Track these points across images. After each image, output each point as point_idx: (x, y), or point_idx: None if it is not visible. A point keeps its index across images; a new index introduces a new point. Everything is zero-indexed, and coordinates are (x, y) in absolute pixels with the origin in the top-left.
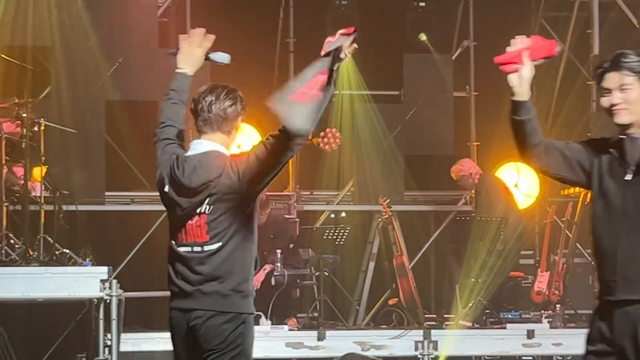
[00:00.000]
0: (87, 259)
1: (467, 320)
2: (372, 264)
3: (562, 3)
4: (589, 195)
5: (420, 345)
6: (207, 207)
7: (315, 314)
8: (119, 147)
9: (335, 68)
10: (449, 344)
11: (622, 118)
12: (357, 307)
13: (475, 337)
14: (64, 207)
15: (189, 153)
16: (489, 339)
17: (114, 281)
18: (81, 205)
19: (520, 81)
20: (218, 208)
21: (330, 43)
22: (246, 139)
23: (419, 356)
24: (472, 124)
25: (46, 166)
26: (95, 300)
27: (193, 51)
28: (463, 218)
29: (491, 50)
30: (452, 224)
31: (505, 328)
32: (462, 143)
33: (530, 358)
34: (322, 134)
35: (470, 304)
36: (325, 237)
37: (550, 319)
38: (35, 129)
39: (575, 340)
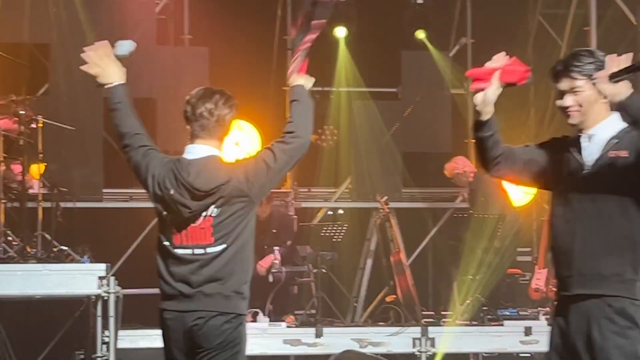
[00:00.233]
0: (85, 256)
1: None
2: (369, 261)
3: (560, 0)
4: None
5: (417, 342)
6: (215, 209)
7: (313, 311)
8: (117, 144)
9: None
10: (447, 341)
11: (575, 119)
12: (355, 304)
13: (472, 334)
14: (62, 204)
15: (190, 157)
16: (486, 336)
17: (112, 278)
18: (79, 202)
19: (485, 101)
20: (225, 211)
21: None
22: (244, 136)
23: (417, 353)
24: (469, 121)
25: (44, 163)
26: (93, 297)
27: (103, 65)
28: (461, 215)
29: (489, 48)
30: (450, 221)
31: (502, 325)
32: (459, 140)
33: (528, 355)
34: (319, 130)
35: (468, 301)
36: (323, 234)
37: (548, 316)
38: (33, 126)
39: None
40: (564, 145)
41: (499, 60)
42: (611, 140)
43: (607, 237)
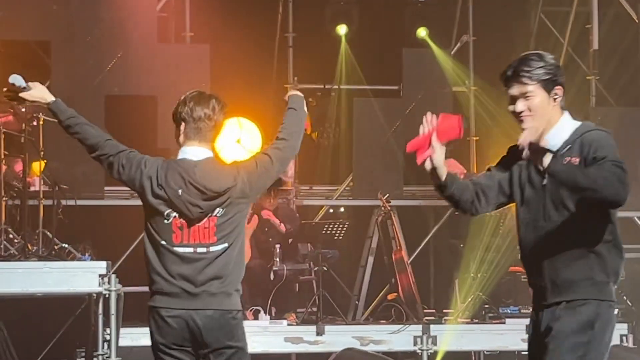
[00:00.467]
0: (86, 254)
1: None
2: (371, 259)
3: None
4: None
5: (419, 340)
6: (221, 210)
7: (314, 309)
8: (118, 141)
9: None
10: (448, 339)
11: (528, 124)
12: (356, 302)
13: (474, 332)
14: (63, 202)
15: (194, 159)
16: (488, 334)
17: (113, 276)
18: (80, 199)
19: (435, 166)
20: (229, 211)
21: None
22: (245, 133)
23: (418, 351)
24: (471, 119)
25: (45, 161)
26: (94, 295)
27: (34, 93)
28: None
29: (490, 45)
30: (451, 219)
31: (504, 323)
32: (461, 138)
33: None
34: (320, 128)
35: (469, 299)
36: (324, 232)
37: None
38: (34, 123)
39: None
40: (520, 157)
41: (429, 122)
42: (564, 145)
43: (573, 242)
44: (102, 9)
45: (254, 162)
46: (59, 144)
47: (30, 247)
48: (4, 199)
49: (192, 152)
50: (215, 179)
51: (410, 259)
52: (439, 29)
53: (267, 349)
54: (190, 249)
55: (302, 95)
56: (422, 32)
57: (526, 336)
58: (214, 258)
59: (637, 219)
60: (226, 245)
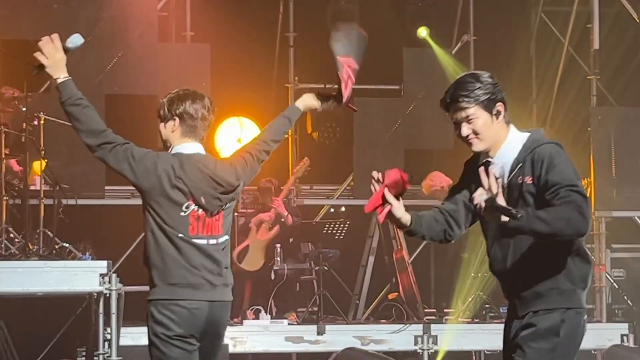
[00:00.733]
0: (87, 253)
1: (467, 316)
2: (372, 259)
3: None
4: (588, 190)
5: (419, 339)
6: (229, 203)
7: (315, 309)
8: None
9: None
10: (449, 338)
11: (477, 147)
12: (357, 302)
13: (474, 332)
14: (64, 201)
15: (202, 152)
16: (488, 334)
17: (114, 275)
18: (81, 199)
19: (397, 217)
20: (231, 205)
21: None
22: (246, 133)
23: (419, 351)
24: None
25: (46, 160)
26: (95, 294)
27: (56, 58)
28: None
29: (491, 45)
30: None
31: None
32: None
33: None
34: (321, 128)
35: (470, 299)
36: (325, 231)
37: None
38: (35, 122)
39: None
40: (476, 172)
41: (376, 177)
42: (515, 163)
43: (537, 255)
44: (103, 8)
45: (243, 160)
46: (60, 143)
47: (31, 247)
48: (5, 198)
49: (193, 147)
50: (229, 173)
51: (411, 259)
52: (439, 28)
53: (268, 349)
54: (205, 241)
55: (303, 107)
56: (423, 32)
57: None
58: (222, 249)
59: (637, 219)
60: (227, 237)
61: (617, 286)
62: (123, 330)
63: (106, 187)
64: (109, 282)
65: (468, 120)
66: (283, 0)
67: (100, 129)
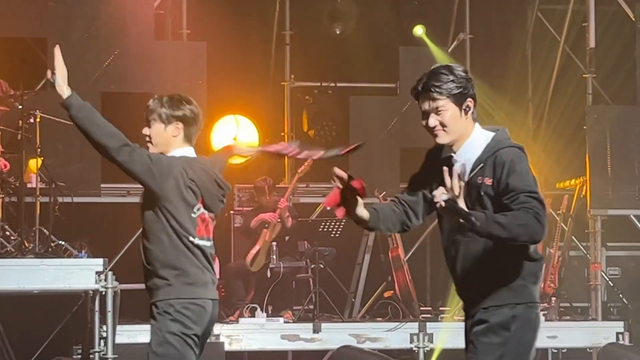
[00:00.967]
0: (83, 251)
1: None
2: (367, 257)
3: None
4: (584, 188)
5: (415, 337)
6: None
7: (311, 307)
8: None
9: None
10: (444, 336)
11: (442, 139)
12: (353, 300)
13: None
14: (60, 199)
15: (197, 157)
16: None
17: (110, 273)
18: (77, 197)
19: (358, 214)
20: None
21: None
22: (243, 132)
23: (414, 349)
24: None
25: (42, 158)
26: (91, 292)
27: (65, 71)
28: None
29: (487, 43)
30: None
31: None
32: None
33: None
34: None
35: None
36: (321, 229)
37: (546, 312)
38: (31, 120)
39: (571, 332)
40: (438, 164)
41: (339, 174)
42: (477, 162)
43: (487, 253)
44: (99, 6)
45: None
46: (56, 141)
47: (26, 244)
48: (1, 196)
49: (192, 152)
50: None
51: (407, 257)
52: (435, 26)
53: (264, 347)
54: (205, 242)
55: None
56: (419, 30)
57: None
58: (212, 250)
59: (633, 218)
60: (212, 239)
61: (612, 284)
62: (119, 328)
63: (102, 185)
64: (105, 280)
65: (437, 111)
66: None
67: (117, 131)
